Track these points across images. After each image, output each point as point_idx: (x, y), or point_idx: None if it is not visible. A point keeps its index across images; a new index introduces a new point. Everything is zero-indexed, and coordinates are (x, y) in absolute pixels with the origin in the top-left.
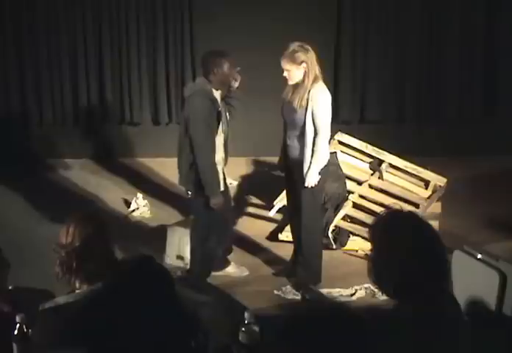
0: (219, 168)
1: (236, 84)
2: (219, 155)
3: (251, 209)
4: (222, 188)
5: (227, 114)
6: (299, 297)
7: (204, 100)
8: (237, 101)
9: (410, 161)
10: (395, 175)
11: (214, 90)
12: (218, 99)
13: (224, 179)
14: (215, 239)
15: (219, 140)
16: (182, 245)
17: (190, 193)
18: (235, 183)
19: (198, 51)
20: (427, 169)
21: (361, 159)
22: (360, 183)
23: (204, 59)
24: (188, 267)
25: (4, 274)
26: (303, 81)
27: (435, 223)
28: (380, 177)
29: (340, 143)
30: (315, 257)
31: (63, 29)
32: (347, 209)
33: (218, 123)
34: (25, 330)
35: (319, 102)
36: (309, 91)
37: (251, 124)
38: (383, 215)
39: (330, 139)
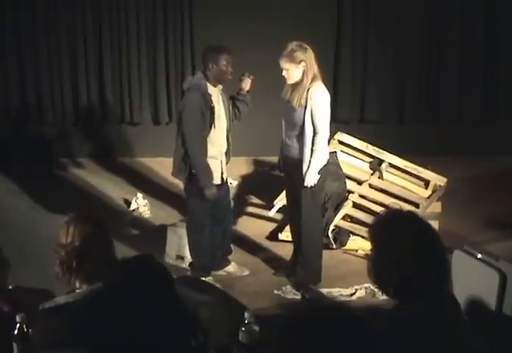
0: (216, 162)
1: (247, 88)
2: (216, 149)
3: (251, 209)
4: (219, 182)
5: (230, 110)
6: (299, 297)
7: (196, 95)
8: (246, 106)
9: (410, 161)
10: (395, 175)
11: (210, 86)
12: (215, 95)
13: (222, 173)
14: (208, 230)
15: (215, 134)
16: (182, 245)
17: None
18: (235, 183)
19: (198, 51)
20: (427, 169)
21: (361, 159)
22: (360, 183)
23: (202, 54)
24: (188, 265)
25: (4, 274)
26: (302, 80)
27: (435, 223)
28: (380, 177)
29: (341, 142)
30: (315, 256)
31: (63, 29)
32: (347, 208)
33: (212, 119)
34: (25, 330)
35: (318, 101)
36: (308, 90)
37: (250, 124)
38: (383, 215)
39: (330, 139)
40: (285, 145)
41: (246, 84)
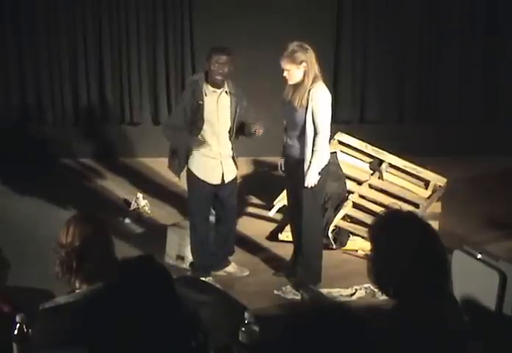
0: (215, 161)
1: (258, 132)
2: (214, 150)
3: (251, 209)
4: (219, 182)
5: (236, 112)
6: (299, 297)
7: (187, 91)
8: (255, 138)
9: (410, 161)
10: (395, 175)
11: (208, 85)
12: (215, 95)
13: (223, 174)
14: (203, 230)
15: (208, 135)
16: (183, 245)
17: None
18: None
19: (198, 51)
20: (427, 169)
21: (361, 159)
22: (360, 183)
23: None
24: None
25: (4, 274)
26: (303, 80)
27: (435, 223)
28: (380, 177)
29: (340, 142)
30: (315, 256)
31: (63, 29)
32: (347, 209)
33: (201, 117)
34: (25, 330)
35: (319, 102)
36: (309, 91)
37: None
38: (383, 215)
39: (330, 139)
40: (286, 145)
41: (252, 135)
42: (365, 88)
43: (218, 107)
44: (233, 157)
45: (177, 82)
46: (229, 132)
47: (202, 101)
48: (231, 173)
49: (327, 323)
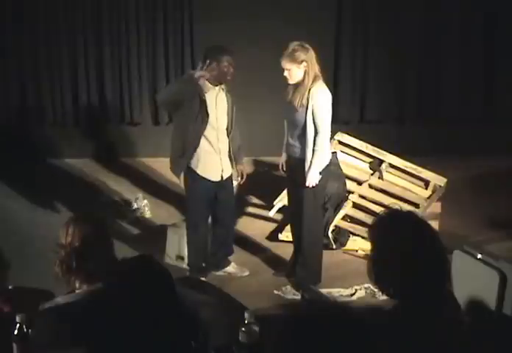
0: (215, 158)
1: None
2: (214, 146)
3: (251, 209)
4: (218, 179)
5: (233, 112)
6: (299, 297)
7: (187, 85)
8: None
9: (410, 161)
10: (395, 175)
11: (208, 84)
12: (213, 93)
13: (222, 171)
14: (203, 231)
15: (210, 132)
16: (182, 246)
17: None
18: (235, 183)
19: (198, 51)
20: (427, 169)
21: (361, 159)
22: (360, 183)
23: (205, 53)
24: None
25: (4, 274)
26: (303, 80)
27: (435, 223)
28: (380, 177)
29: (340, 143)
30: (315, 256)
31: (63, 29)
32: (347, 209)
33: (204, 111)
34: (25, 330)
35: (319, 101)
36: (309, 90)
37: (251, 124)
38: (383, 215)
39: (330, 139)
40: (288, 144)
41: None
42: (365, 88)
43: (216, 104)
44: (229, 155)
45: None
46: (227, 128)
47: (204, 96)
48: (228, 169)
49: (327, 324)
